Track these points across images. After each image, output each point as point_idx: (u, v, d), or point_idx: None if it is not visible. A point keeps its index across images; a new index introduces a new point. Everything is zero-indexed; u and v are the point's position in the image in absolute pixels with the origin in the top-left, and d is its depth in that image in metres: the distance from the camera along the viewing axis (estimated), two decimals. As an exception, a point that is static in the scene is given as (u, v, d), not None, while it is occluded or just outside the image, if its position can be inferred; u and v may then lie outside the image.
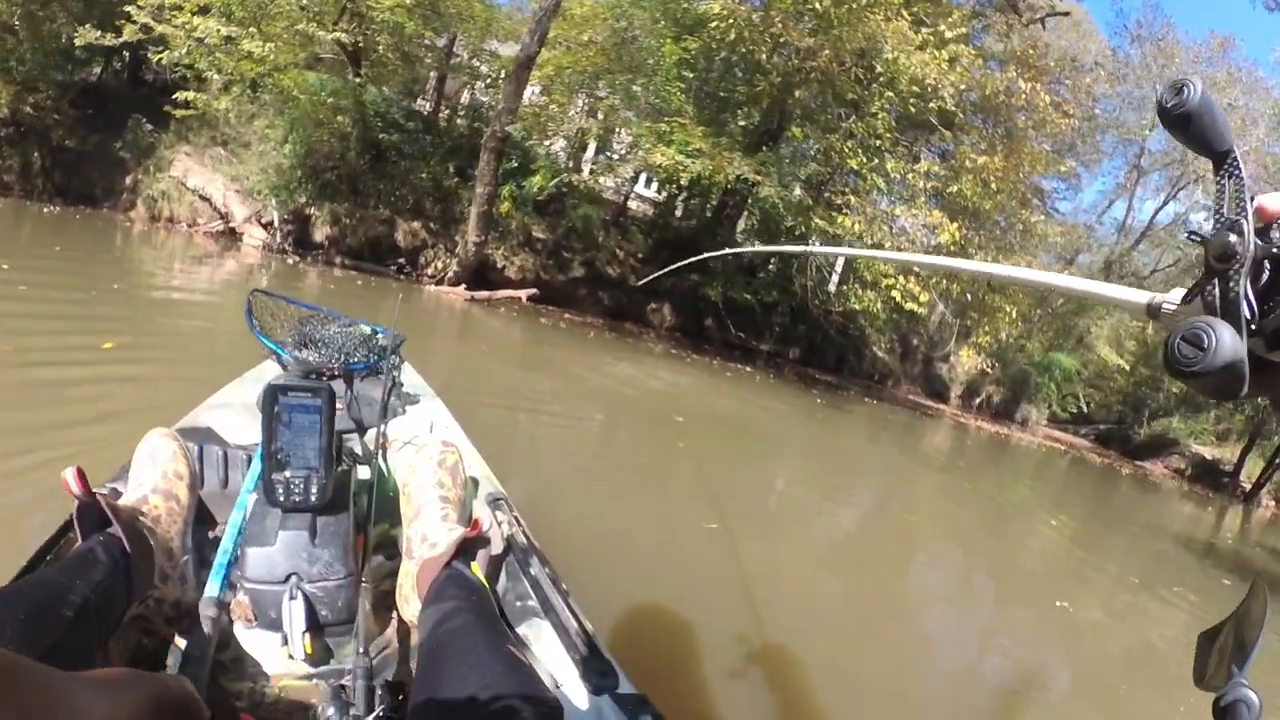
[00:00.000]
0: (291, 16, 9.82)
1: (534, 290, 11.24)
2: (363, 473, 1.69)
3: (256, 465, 1.48)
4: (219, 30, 9.40)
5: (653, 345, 12.54)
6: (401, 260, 11.34)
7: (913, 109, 11.22)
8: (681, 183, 10.63)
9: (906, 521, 6.19)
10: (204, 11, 9.49)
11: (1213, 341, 0.38)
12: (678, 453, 5.73)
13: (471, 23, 11.71)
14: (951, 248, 11.08)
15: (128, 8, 9.78)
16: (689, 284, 14.07)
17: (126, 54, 9.82)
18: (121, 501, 1.23)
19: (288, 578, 1.29)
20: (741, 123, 12.35)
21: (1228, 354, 0.38)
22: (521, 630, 1.39)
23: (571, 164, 12.28)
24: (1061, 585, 5.10)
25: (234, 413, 1.98)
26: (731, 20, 10.28)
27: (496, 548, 1.57)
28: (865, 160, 11.29)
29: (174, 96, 10.55)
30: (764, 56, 10.98)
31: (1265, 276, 0.41)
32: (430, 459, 1.56)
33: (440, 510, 1.46)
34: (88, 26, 10.22)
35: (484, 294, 10.69)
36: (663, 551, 3.55)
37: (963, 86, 11.25)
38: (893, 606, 3.87)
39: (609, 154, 12.74)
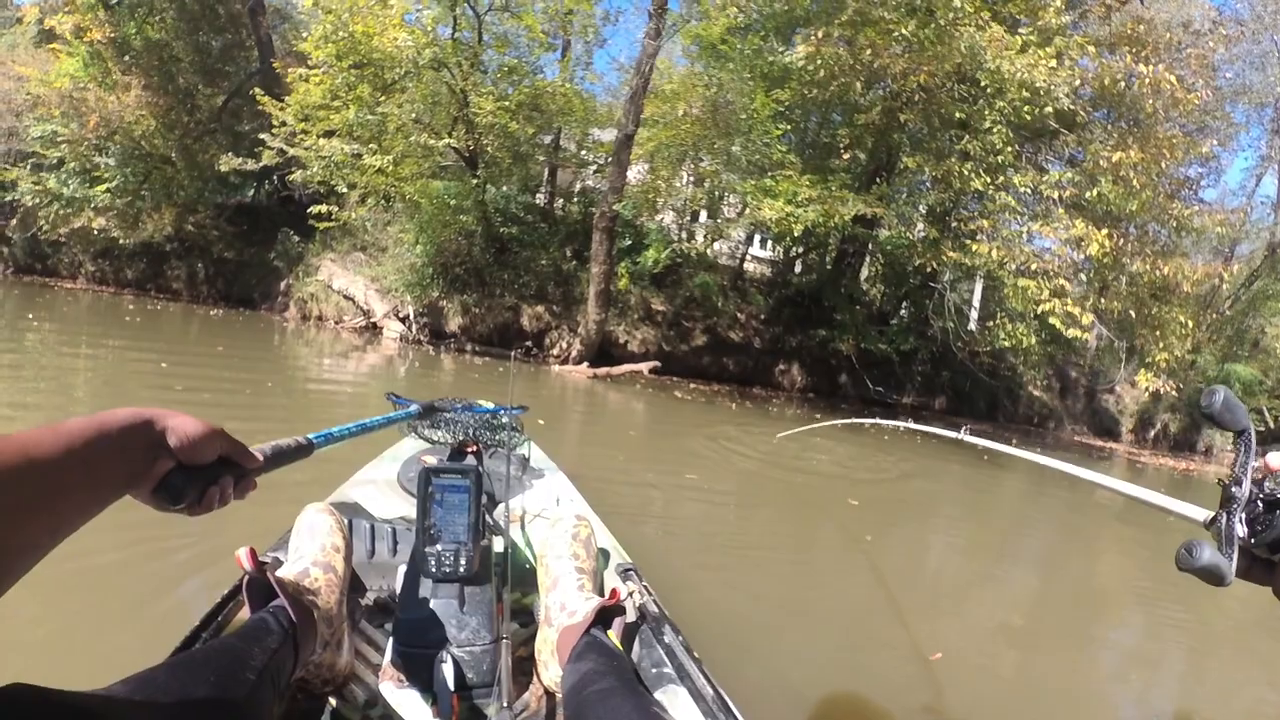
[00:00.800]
0: (407, 130, 10.58)
1: (656, 363, 11.08)
2: (498, 544, 1.77)
3: (409, 539, 1.64)
4: (343, 149, 10.28)
5: (784, 408, 11.85)
6: (528, 343, 11.60)
7: (1028, 116, 10.23)
8: (795, 233, 10.12)
9: (1085, 586, 5.24)
10: (330, 134, 10.45)
11: (1198, 554, 0.61)
12: (815, 518, 5.20)
13: (571, 115, 12.17)
14: (1103, 259, 9.86)
15: (263, 135, 11.00)
16: (818, 340, 13.37)
17: (275, 177, 10.98)
18: (285, 573, 1.35)
19: (439, 643, 1.39)
20: (848, 164, 11.79)
21: (1205, 561, 0.60)
22: (658, 696, 1.42)
23: (683, 234, 12.18)
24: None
25: (377, 489, 2.19)
26: (819, 61, 9.91)
27: (630, 616, 1.62)
28: (989, 180, 10.32)
29: (310, 209, 11.65)
30: (859, 90, 10.47)
31: (1260, 509, 0.61)
32: (565, 532, 1.66)
33: (576, 580, 1.54)
34: (230, 155, 11.61)
35: (605, 370, 10.65)
36: (805, 623, 3.18)
37: (1076, 82, 10.13)
38: (1077, 690, 3.08)
39: (719, 218, 12.55)
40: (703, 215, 13.65)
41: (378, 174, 10.85)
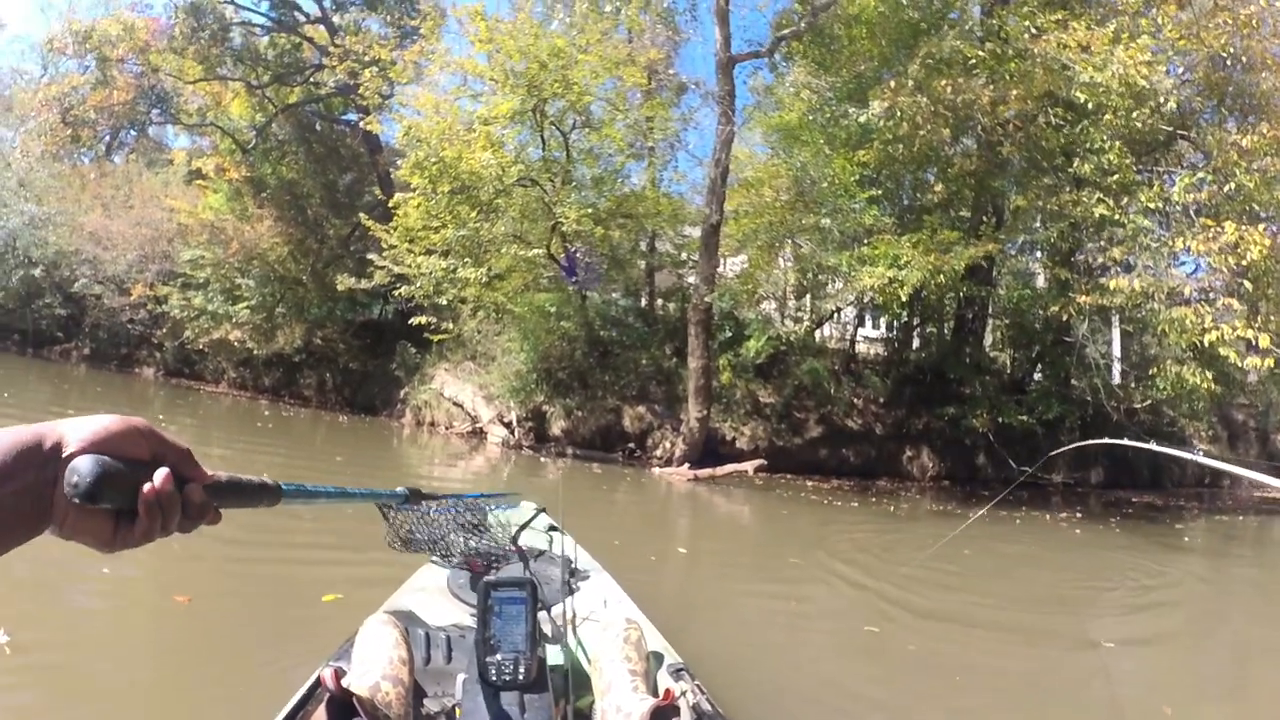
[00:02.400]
0: (501, 243, 10.75)
1: (761, 461, 10.27)
2: (554, 650, 1.81)
3: (464, 645, 1.75)
4: (440, 265, 10.60)
5: (916, 502, 10.60)
6: (630, 445, 11.16)
7: (1139, 124, 8.90)
8: (902, 298, 9.11)
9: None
10: (431, 252, 10.80)
11: None
12: (957, 637, 4.29)
13: (660, 216, 12.09)
14: (1265, 264, 8.15)
15: (371, 256, 11.71)
16: (946, 418, 12.02)
17: (398, 295, 11.57)
18: (357, 687, 1.42)
19: None
20: (950, 219, 10.70)
21: None
22: None
23: (785, 320, 11.48)
24: None
25: (429, 596, 2.27)
26: (899, 113, 9.07)
27: (685, 715, 1.67)
28: (1111, 204, 8.91)
29: (411, 321, 12.10)
30: (948, 136, 9.46)
31: None
32: (616, 636, 1.74)
33: (630, 683, 1.60)
34: (344, 275, 12.57)
35: (706, 472, 9.98)
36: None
37: (1180, 69, 8.58)
38: None
39: (819, 297, 11.73)
40: (807, 299, 12.91)
41: (485, 287, 11.17)
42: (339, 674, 1.37)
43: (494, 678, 1.52)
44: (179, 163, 18.07)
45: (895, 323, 13.46)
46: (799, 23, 10.69)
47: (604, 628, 1.81)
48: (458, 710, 1.58)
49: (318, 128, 17.41)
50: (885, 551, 6.93)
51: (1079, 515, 10.45)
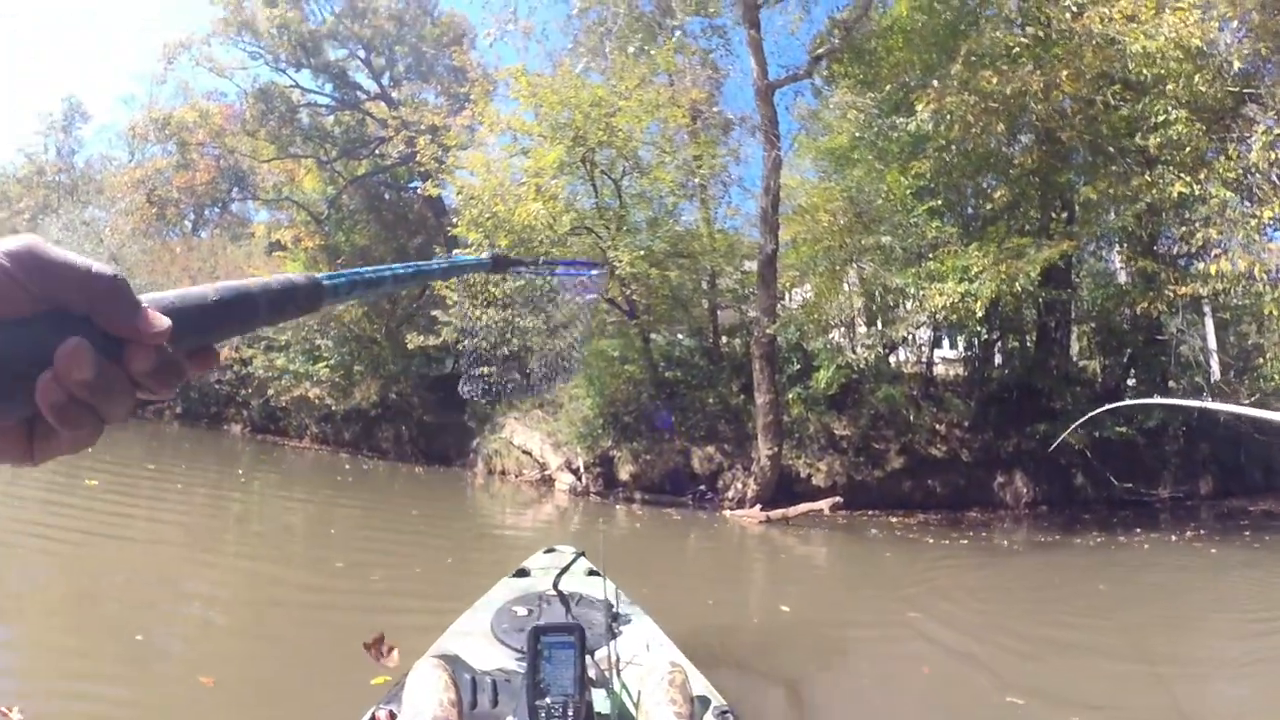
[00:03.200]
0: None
1: (837, 499, 9.67)
2: (599, 694, 1.89)
3: (508, 689, 1.82)
4: (499, 316, 10.57)
5: (1011, 532, 9.78)
6: (702, 487, 10.79)
7: (1204, 89, 8.10)
8: (978, 314, 8.47)
9: None
10: (490, 305, 10.85)
11: None
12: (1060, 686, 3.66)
13: (715, 253, 11.87)
14: None
15: (436, 313, 12.04)
16: (1038, 437, 11.12)
17: (461, 348, 11.79)
18: None
19: None
20: (1018, 223, 9.97)
21: None
22: None
23: (856, 348, 10.95)
24: None
25: (474, 640, 2.29)
26: (947, 116, 8.50)
27: None
28: (1189, 180, 8.07)
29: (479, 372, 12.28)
30: (1003, 132, 8.81)
31: None
32: (661, 680, 1.75)
33: None
34: (415, 334, 13.05)
35: (779, 513, 9.46)
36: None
37: (1234, 23, 7.71)
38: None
39: (889, 321, 11.14)
40: (877, 324, 12.34)
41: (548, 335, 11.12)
42: (393, 717, 1.42)
43: None
44: (259, 236, 19.20)
45: (974, 340, 12.67)
46: (833, 40, 10.40)
47: (648, 671, 1.83)
48: None
49: (386, 196, 18.19)
50: (994, 591, 6.28)
51: (1201, 532, 9.41)
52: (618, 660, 2.08)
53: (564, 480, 11.55)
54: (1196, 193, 8.10)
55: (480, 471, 13.36)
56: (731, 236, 12.26)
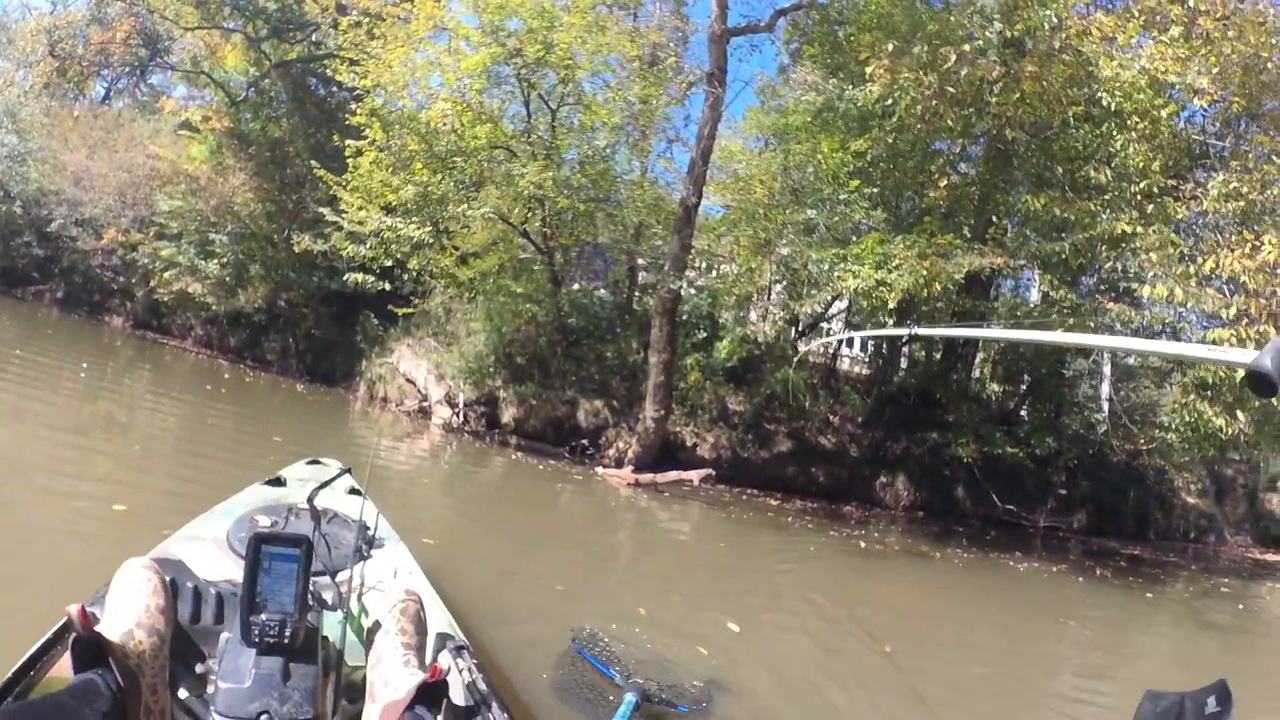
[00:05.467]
0: (480, 215, 9.73)
1: (709, 471, 9.07)
2: (332, 617, 1.72)
3: (236, 604, 1.51)
4: (386, 221, 9.71)
5: (884, 532, 9.43)
6: (583, 441, 10.02)
7: (1165, 128, 7.73)
8: (890, 305, 7.93)
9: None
10: (389, 211, 9.76)
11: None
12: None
13: (641, 204, 10.95)
14: None
15: (324, 210, 10.80)
16: (928, 445, 10.85)
17: (345, 254, 10.60)
18: (108, 632, 1.27)
19: (259, 715, 1.32)
20: (952, 220, 9.51)
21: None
22: None
23: (764, 322, 10.32)
24: None
25: (205, 546, 2.04)
26: (897, 92, 7.87)
27: (458, 694, 1.56)
28: (1135, 216, 7.63)
29: (350, 278, 11.27)
30: (953, 123, 8.27)
31: None
32: (393, 607, 1.63)
33: (403, 656, 1.50)
34: (304, 235, 11.69)
35: (649, 477, 8.80)
36: None
37: (1214, 69, 7.41)
38: None
39: (794, 297, 10.53)
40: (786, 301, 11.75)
41: (459, 264, 10.28)
42: (88, 614, 1.16)
43: (257, 639, 1.38)
44: (169, 110, 17.12)
45: (882, 344, 12.29)
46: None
47: (382, 597, 1.75)
48: (212, 671, 1.44)
49: (314, 88, 16.38)
50: (848, 603, 5.73)
51: (1052, 566, 9.30)
52: (361, 585, 1.92)
53: (440, 414, 10.58)
54: (1139, 232, 7.58)
55: (362, 396, 12.25)
56: (661, 190, 11.36)
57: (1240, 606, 8.44)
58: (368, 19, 10.26)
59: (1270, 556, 13.45)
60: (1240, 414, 7.62)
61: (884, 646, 4.35)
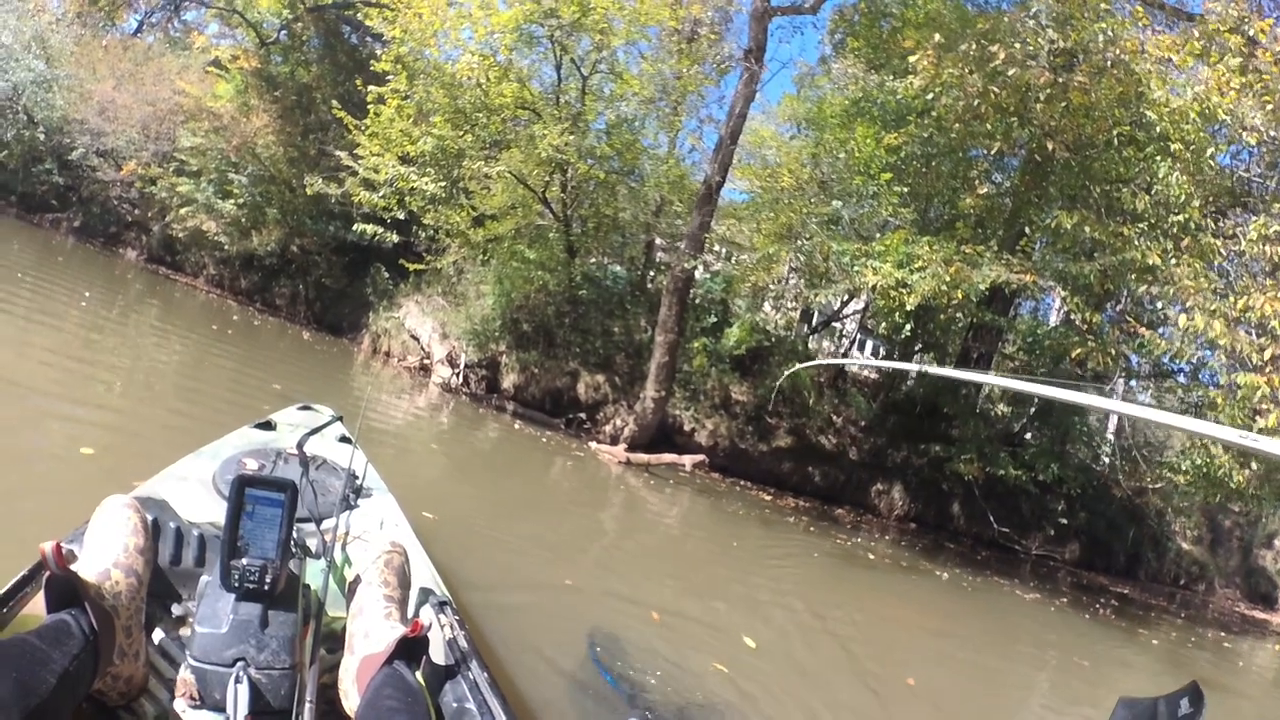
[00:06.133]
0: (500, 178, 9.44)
1: (702, 457, 8.79)
2: (315, 565, 1.66)
3: (219, 547, 1.45)
4: (401, 170, 9.41)
5: (874, 540, 9.17)
6: (581, 415, 9.78)
7: (1210, 161, 7.31)
8: (908, 306, 7.56)
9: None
10: (407, 161, 9.49)
11: None
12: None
13: (664, 180, 10.60)
14: None
15: (341, 153, 10.51)
16: (930, 457, 10.57)
17: (358, 201, 10.35)
18: (85, 572, 1.21)
19: (235, 662, 1.29)
20: (984, 226, 9.14)
21: None
22: None
23: (771, 312, 9.99)
24: None
25: (190, 487, 1.97)
26: (939, 87, 7.49)
27: (439, 650, 1.54)
28: (1170, 247, 7.28)
29: (386, 242, 11.03)
30: (995, 126, 7.90)
31: None
32: (377, 558, 1.59)
33: (384, 609, 1.46)
34: (317, 178, 11.21)
35: (641, 457, 8.51)
36: None
37: (1270, 105, 7.00)
38: None
39: (812, 285, 10.21)
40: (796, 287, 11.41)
41: (474, 225, 10.03)
42: (63, 551, 1.10)
43: (237, 584, 1.33)
44: (199, 46, 16.83)
45: (894, 351, 11.95)
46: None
47: (366, 547, 1.70)
48: (190, 614, 1.38)
49: (347, 34, 16.07)
50: (836, 615, 5.49)
51: (1041, 592, 9.01)
52: (346, 533, 1.87)
53: (441, 373, 10.35)
54: (1170, 265, 7.18)
55: (366, 349, 12.01)
56: (687, 168, 11.01)
57: (1224, 660, 8.18)
58: None
59: (1259, 613, 13.15)
60: (1254, 463, 7.27)
61: (863, 660, 4.10)
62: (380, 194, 9.74)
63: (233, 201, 13.54)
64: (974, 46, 7.31)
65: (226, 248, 13.60)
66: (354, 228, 11.23)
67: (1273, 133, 7.20)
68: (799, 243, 9.17)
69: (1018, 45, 7.28)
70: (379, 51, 15.05)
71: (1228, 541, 14.88)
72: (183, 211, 13.78)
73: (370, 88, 9.89)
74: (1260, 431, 6.18)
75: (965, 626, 6.30)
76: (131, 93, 15.30)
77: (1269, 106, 6.96)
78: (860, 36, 10.04)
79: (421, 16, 9.32)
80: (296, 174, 13.70)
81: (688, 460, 8.48)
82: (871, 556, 8.11)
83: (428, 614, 1.67)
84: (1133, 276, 7.88)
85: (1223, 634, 9.99)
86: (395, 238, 10.47)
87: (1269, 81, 7.01)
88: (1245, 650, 9.45)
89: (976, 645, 5.70)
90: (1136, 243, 7.31)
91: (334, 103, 11.26)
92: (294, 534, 1.45)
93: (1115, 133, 7.67)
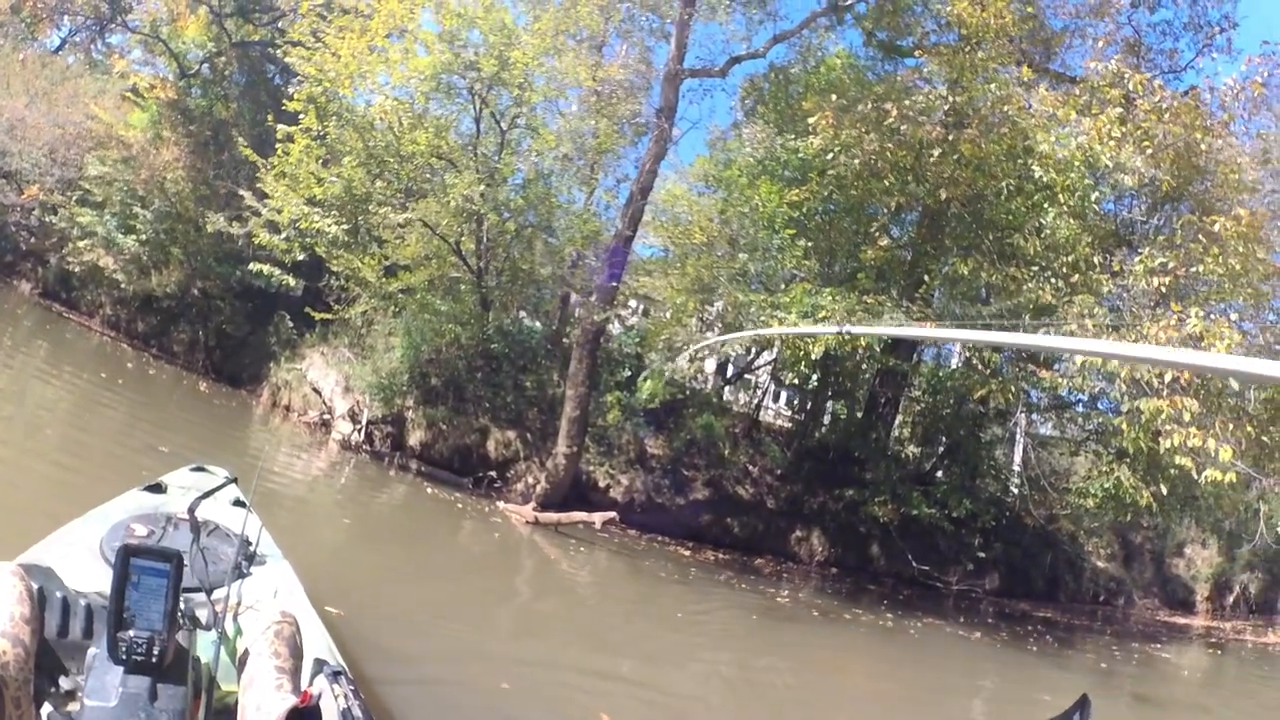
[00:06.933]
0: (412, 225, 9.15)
1: (611, 514, 8.51)
2: (206, 636, 1.63)
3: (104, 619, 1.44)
4: (304, 209, 9.06)
5: (797, 587, 9.04)
6: (490, 473, 9.37)
7: (1094, 207, 7.85)
8: (814, 356, 7.62)
9: None
10: (313, 204, 9.12)
11: None
12: None
13: (579, 233, 10.46)
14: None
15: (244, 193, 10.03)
16: (845, 502, 10.59)
17: (256, 242, 9.89)
18: None
19: None
20: (882, 276, 9.38)
21: None
22: None
23: (685, 365, 9.90)
24: None
25: (77, 554, 1.94)
26: (838, 146, 7.72)
27: (332, 719, 1.50)
28: (1061, 286, 7.64)
29: (259, 270, 10.66)
30: (888, 187, 8.15)
31: None
32: (267, 629, 1.56)
33: (275, 680, 1.44)
34: (219, 216, 10.84)
35: (549, 516, 8.19)
36: None
37: (1149, 150, 7.44)
38: None
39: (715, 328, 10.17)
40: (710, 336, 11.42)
41: (386, 276, 9.73)
42: None
43: (124, 656, 1.31)
44: (118, 70, 15.96)
45: (806, 400, 12.06)
46: (753, 46, 9.47)
47: (257, 618, 1.65)
48: (79, 688, 1.37)
49: (270, 76, 15.53)
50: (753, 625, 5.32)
51: (961, 621, 9.06)
52: (238, 603, 1.79)
53: (341, 429, 9.76)
54: (1063, 303, 7.51)
55: (265, 402, 11.23)
56: (602, 224, 10.94)
57: (1157, 669, 8.40)
58: (337, 15, 9.71)
59: (1179, 619, 13.67)
60: (1162, 484, 7.52)
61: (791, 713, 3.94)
62: (283, 235, 9.27)
63: (135, 237, 12.66)
64: (869, 107, 7.53)
65: (124, 286, 12.66)
66: (249, 265, 10.66)
67: (1151, 172, 7.63)
68: (709, 295, 9.17)
69: (908, 102, 7.54)
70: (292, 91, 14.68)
71: (1140, 555, 15.39)
72: (81, 244, 12.80)
73: (279, 126, 9.45)
74: (1166, 452, 6.42)
75: (895, 667, 6.26)
76: (43, 112, 14.25)
77: (1148, 151, 7.41)
78: (769, 104, 10.30)
79: (339, 57, 9.04)
80: (204, 213, 13.01)
81: (598, 518, 8.20)
82: (795, 605, 7.98)
83: (320, 684, 1.63)
84: (1028, 317, 8.17)
85: (1154, 645, 10.29)
86: (293, 281, 10.02)
87: (1147, 128, 7.47)
88: (1169, 657, 9.73)
89: (908, 684, 5.63)
90: (1030, 285, 7.58)
91: (240, 140, 10.72)
92: (183, 604, 1.43)
93: (1004, 184, 8.01)
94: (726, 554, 9.96)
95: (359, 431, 9.50)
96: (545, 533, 8.02)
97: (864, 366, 8.87)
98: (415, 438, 9.54)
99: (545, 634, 4.67)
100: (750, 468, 10.81)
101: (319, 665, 1.73)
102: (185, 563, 1.41)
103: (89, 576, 1.79)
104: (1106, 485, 7.94)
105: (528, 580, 6.79)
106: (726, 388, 11.05)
